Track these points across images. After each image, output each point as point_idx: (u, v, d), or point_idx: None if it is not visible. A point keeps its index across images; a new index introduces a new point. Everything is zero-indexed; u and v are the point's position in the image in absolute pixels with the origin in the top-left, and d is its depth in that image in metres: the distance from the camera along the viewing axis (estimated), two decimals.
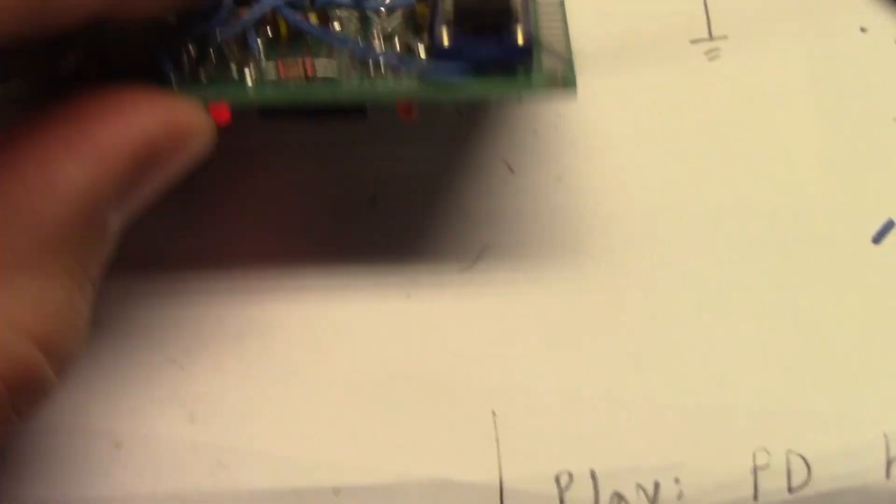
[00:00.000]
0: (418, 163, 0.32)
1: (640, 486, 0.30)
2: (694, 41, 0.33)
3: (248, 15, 0.27)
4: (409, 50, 0.28)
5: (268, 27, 0.27)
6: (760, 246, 0.32)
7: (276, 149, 0.32)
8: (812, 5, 0.34)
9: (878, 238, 0.32)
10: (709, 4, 0.34)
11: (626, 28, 0.34)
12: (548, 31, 0.30)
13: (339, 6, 0.28)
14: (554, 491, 0.30)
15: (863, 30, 0.34)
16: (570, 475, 0.30)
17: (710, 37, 0.33)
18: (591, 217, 0.32)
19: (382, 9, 0.28)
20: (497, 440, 0.31)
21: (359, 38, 0.27)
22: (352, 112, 0.28)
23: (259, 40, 0.27)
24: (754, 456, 0.31)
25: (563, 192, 0.32)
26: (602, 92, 0.33)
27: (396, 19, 0.28)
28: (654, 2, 0.34)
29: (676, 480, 0.30)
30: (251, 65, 0.27)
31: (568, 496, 0.30)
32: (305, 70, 0.27)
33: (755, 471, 0.31)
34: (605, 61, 0.34)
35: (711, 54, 0.33)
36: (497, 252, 0.32)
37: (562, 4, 0.30)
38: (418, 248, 0.32)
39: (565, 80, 0.29)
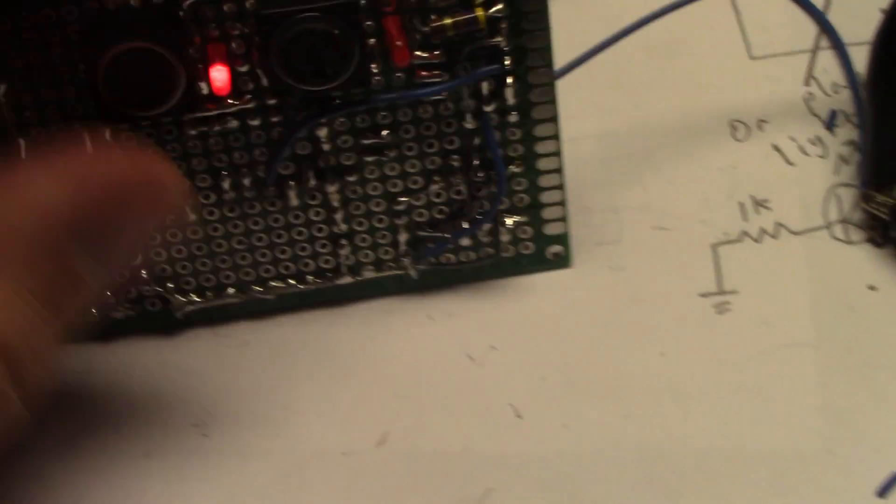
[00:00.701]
0: (427, 405, 0.36)
1: None
2: (703, 294, 0.37)
3: None
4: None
5: None
6: (764, 494, 0.34)
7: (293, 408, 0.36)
8: (822, 262, 0.37)
9: (882, 491, 0.34)
10: (720, 260, 0.38)
11: (637, 283, 0.37)
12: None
13: None
14: None
15: (871, 287, 0.37)
16: None
17: (720, 291, 0.37)
18: (594, 463, 0.35)
19: None
20: None
21: None
22: None
23: None
24: None
25: (568, 438, 0.35)
26: (610, 342, 0.36)
27: None
28: (664, 256, 0.37)
29: None
30: None
31: None
32: None
33: None
34: (614, 313, 0.37)
35: (720, 308, 0.37)
36: (501, 496, 0.34)
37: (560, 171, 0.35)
38: (424, 487, 0.34)
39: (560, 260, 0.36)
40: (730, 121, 0.40)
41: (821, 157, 0.39)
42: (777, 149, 0.40)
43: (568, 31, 0.36)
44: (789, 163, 0.39)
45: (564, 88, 0.36)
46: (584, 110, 0.40)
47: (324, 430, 0.35)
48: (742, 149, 0.40)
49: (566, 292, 0.37)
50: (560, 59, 0.35)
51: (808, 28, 0.41)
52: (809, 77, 0.40)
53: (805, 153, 0.39)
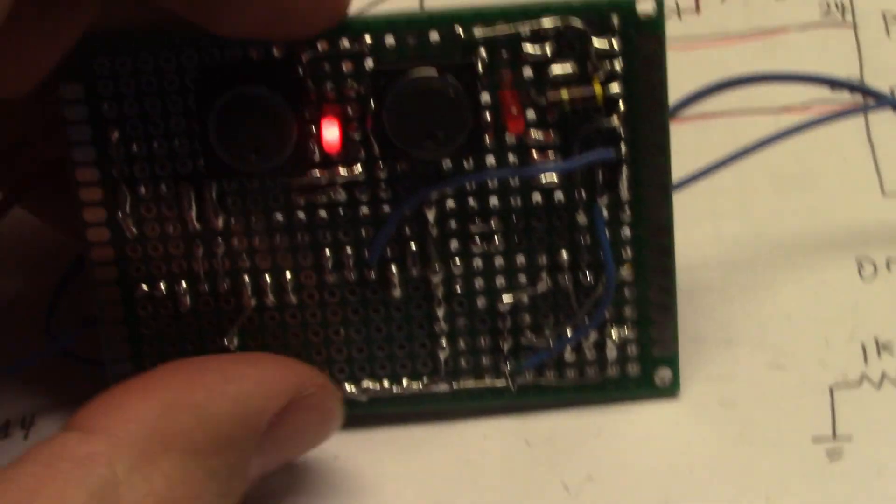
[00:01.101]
0: None
1: None
2: (816, 439, 0.36)
3: None
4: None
5: None
6: None
7: None
8: None
9: None
10: (836, 404, 0.37)
11: (747, 422, 0.36)
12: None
13: None
14: None
15: None
16: None
17: (834, 436, 0.36)
18: None
19: None
20: None
21: None
22: None
23: None
24: None
25: None
26: (713, 482, 0.35)
27: None
28: (777, 395, 0.37)
29: None
30: None
31: None
32: None
33: None
34: (720, 451, 0.36)
35: (833, 454, 0.36)
36: None
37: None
38: None
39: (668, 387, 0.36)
40: (857, 258, 0.40)
41: None
42: None
43: (691, 151, 0.37)
44: None
45: (686, 215, 0.36)
46: (705, 238, 0.40)
47: None
48: (868, 288, 0.39)
49: (671, 425, 0.37)
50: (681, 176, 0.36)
51: None
52: None
53: None
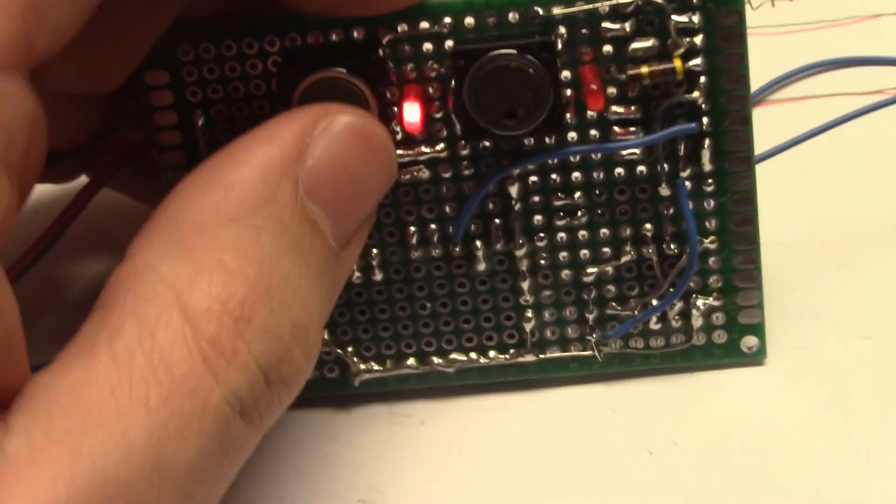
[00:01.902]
0: (603, 500, 0.36)
1: None
2: None
3: None
4: None
5: None
6: None
7: None
8: None
9: None
10: None
11: (834, 391, 0.38)
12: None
13: None
14: None
15: None
16: None
17: None
18: None
19: None
20: None
21: None
22: None
23: None
24: None
25: None
26: (798, 448, 0.36)
27: None
28: (865, 365, 0.38)
29: None
30: None
31: None
32: None
33: None
34: (806, 419, 0.37)
35: None
36: None
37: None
38: None
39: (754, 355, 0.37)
40: None
41: None
42: None
43: (783, 133, 0.39)
44: None
45: (776, 192, 0.38)
46: (794, 215, 0.42)
47: None
48: None
49: (757, 393, 0.38)
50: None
51: None
52: None
53: None
